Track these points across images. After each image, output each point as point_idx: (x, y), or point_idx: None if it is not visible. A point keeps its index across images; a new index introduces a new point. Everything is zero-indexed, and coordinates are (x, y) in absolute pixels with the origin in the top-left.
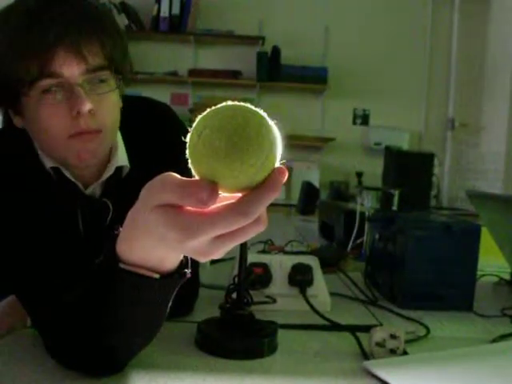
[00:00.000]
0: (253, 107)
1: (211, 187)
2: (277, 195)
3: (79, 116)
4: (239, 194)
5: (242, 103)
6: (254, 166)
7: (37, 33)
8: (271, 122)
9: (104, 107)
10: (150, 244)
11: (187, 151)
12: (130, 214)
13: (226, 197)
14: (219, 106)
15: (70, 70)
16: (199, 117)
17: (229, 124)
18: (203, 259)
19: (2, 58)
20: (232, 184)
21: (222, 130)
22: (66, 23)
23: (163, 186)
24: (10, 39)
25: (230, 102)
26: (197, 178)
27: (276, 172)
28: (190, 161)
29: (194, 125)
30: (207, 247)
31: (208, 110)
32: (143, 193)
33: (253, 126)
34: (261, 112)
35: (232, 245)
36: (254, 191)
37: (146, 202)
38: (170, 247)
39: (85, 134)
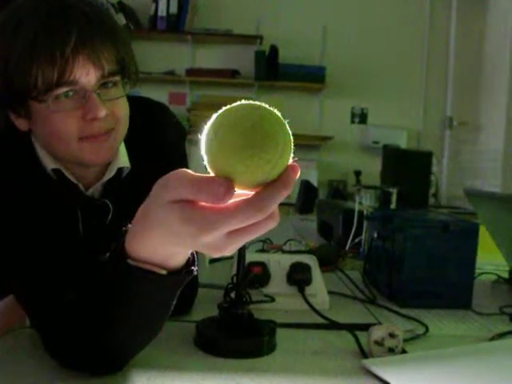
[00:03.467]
0: (267, 106)
1: (228, 183)
2: (290, 191)
3: (94, 121)
4: (253, 191)
5: (257, 102)
6: (269, 162)
7: (56, 41)
8: (284, 121)
9: (116, 110)
10: (162, 240)
11: (203, 148)
12: (141, 209)
13: (239, 193)
14: (234, 104)
15: (88, 77)
16: (215, 115)
17: (245, 121)
18: (216, 255)
19: (16, 64)
20: (248, 180)
21: (238, 127)
22: (83, 31)
23: (179, 182)
24: (26, 46)
25: (244, 101)
26: (212, 174)
27: (289, 168)
28: (205, 157)
29: (210, 122)
30: (220, 243)
31: (223, 108)
32: (156, 189)
33: (268, 124)
34: (275, 110)
35: (245, 240)
36: (268, 187)
37: (160, 198)
38: (183, 243)
39: (99, 137)
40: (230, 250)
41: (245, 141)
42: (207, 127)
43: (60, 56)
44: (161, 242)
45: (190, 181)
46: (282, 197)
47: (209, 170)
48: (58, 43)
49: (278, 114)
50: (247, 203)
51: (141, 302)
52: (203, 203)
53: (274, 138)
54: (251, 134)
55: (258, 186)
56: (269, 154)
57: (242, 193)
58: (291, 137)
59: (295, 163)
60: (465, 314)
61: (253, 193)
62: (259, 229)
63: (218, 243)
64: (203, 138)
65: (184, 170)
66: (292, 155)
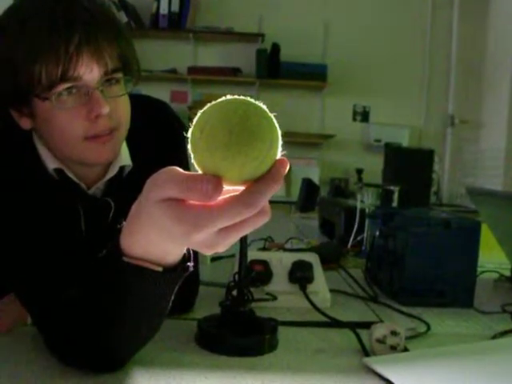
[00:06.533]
0: (253, 100)
1: (216, 181)
2: (279, 186)
3: (97, 119)
4: (242, 187)
5: (242, 97)
6: (257, 158)
7: (60, 38)
8: (271, 115)
9: (119, 107)
10: (155, 237)
11: (189, 146)
12: (133, 207)
13: (229, 189)
14: (219, 100)
15: (91, 74)
16: (200, 112)
17: (231, 118)
18: (208, 252)
19: (19, 61)
20: (236, 177)
21: (224, 124)
22: (86, 28)
23: (168, 181)
24: (30, 43)
25: (229, 96)
26: (200, 172)
27: (278, 163)
28: (192, 156)
29: (196, 120)
30: (213, 240)
31: (208, 104)
32: (147, 187)
33: (254, 119)
34: (261, 105)
35: (237, 236)
36: (257, 183)
37: (150, 196)
38: (175, 240)
39: (102, 136)
40: (223, 246)
41: (231, 138)
42: (193, 125)
43: (64, 53)
44: (154, 239)
45: (179, 179)
46: (271, 192)
47: (196, 167)
48: (63, 41)
49: (265, 108)
50: (236, 200)
51: (138, 299)
52: (193, 201)
53: (260, 134)
54: (237, 131)
55: (247, 182)
56: (256, 150)
57: (231, 189)
58: (279, 131)
59: (284, 157)
60: (467, 313)
61: (243, 188)
62: (250, 225)
63: (210, 240)
64: (189, 136)
65: (173, 168)
66: (280, 149)
